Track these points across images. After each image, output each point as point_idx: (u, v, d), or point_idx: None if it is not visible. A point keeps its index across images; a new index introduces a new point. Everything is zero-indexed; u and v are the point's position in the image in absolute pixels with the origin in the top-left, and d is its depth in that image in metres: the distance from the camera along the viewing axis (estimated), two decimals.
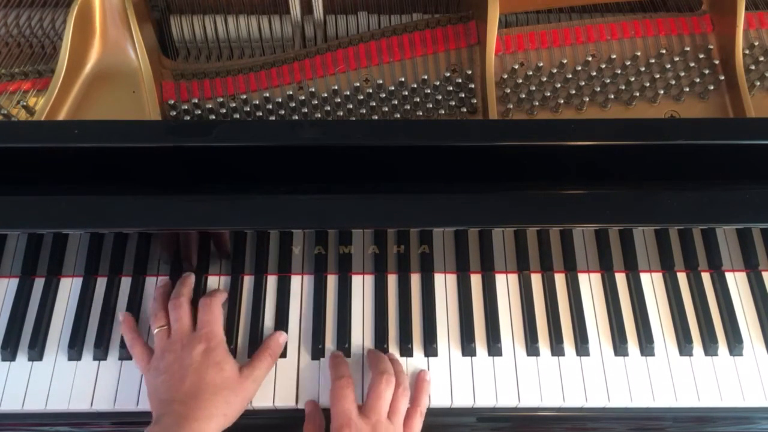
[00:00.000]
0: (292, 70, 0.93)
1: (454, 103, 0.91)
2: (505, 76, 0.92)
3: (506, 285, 0.89)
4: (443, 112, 0.90)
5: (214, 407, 0.74)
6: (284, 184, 0.76)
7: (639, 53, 0.93)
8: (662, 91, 0.90)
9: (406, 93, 0.90)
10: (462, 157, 0.75)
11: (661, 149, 0.75)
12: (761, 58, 0.94)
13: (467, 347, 0.84)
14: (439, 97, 0.90)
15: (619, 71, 0.91)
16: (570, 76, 0.92)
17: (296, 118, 0.90)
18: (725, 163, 0.76)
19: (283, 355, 0.84)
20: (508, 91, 0.91)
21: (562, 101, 0.90)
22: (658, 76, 0.91)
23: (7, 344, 0.84)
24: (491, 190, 0.76)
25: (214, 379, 0.75)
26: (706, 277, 0.90)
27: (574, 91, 0.90)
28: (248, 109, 0.90)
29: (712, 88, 0.91)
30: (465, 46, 0.95)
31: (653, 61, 0.93)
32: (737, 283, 0.90)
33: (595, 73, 0.91)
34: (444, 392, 0.82)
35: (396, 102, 0.90)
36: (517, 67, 0.93)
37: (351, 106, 0.90)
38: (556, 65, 0.92)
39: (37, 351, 0.84)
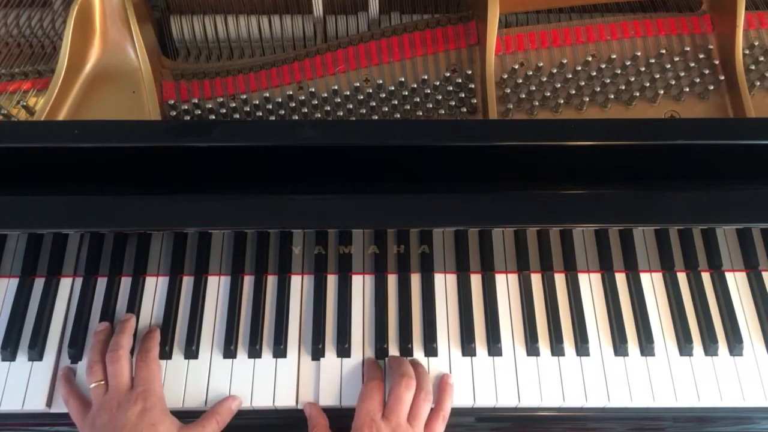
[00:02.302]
0: (292, 70, 0.93)
1: (454, 103, 0.91)
2: (505, 76, 0.92)
3: (506, 285, 0.89)
4: (443, 112, 0.90)
5: None
6: (284, 184, 0.76)
7: (639, 53, 0.93)
8: (662, 91, 0.90)
9: (406, 93, 0.90)
10: (462, 157, 0.75)
11: (661, 149, 0.75)
12: (761, 58, 0.94)
13: (467, 347, 0.84)
14: (439, 97, 0.90)
15: (619, 71, 0.91)
16: (570, 76, 0.92)
17: (296, 118, 0.90)
18: (725, 163, 0.76)
19: (283, 355, 0.84)
20: (508, 91, 0.91)
21: (562, 101, 0.90)
22: (658, 76, 0.91)
23: (7, 344, 0.84)
24: (491, 190, 0.76)
25: None
26: (706, 277, 0.90)
27: (574, 91, 0.90)
28: (248, 109, 0.91)
29: (712, 88, 0.91)
30: (465, 46, 0.95)
31: (653, 61, 0.93)
32: (737, 283, 0.90)
33: (595, 73, 0.91)
34: None
35: (396, 102, 0.90)
36: (517, 67, 0.93)
37: (351, 106, 0.90)
38: (556, 65, 0.92)
39: (37, 351, 0.84)
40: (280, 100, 0.89)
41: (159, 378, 0.80)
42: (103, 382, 0.78)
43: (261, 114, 0.90)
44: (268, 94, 0.91)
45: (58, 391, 0.82)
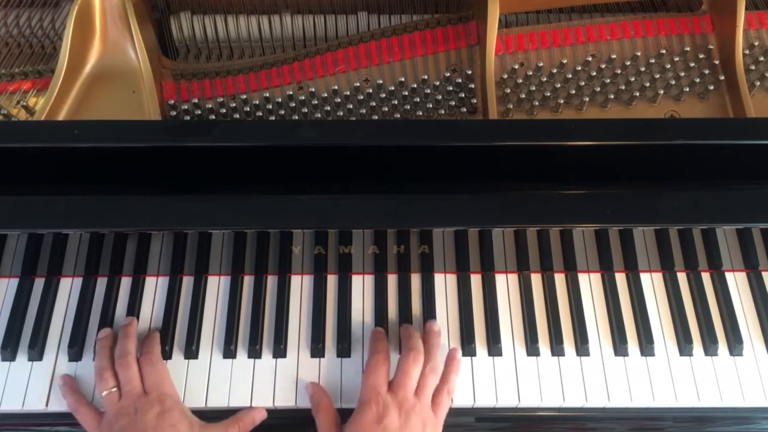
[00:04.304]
0: (292, 70, 0.93)
1: (454, 103, 0.91)
2: (505, 76, 0.92)
3: (506, 285, 0.89)
4: (443, 112, 0.90)
5: None
6: (284, 184, 0.76)
7: (639, 53, 0.93)
8: (662, 91, 0.90)
9: (406, 93, 0.90)
10: (462, 157, 0.75)
11: (661, 149, 0.75)
12: (761, 58, 0.94)
13: (467, 347, 0.84)
14: (439, 97, 0.90)
15: (619, 71, 0.91)
16: (570, 76, 0.92)
17: (296, 118, 0.90)
18: (725, 163, 0.76)
19: (283, 355, 0.84)
20: (508, 91, 0.91)
21: (562, 101, 0.90)
22: (658, 76, 0.91)
23: (7, 344, 0.84)
24: (491, 190, 0.76)
25: None
26: (706, 277, 0.90)
27: (574, 91, 0.90)
28: (248, 109, 0.91)
29: (712, 88, 0.91)
30: (465, 46, 0.95)
31: (653, 61, 0.93)
32: (737, 283, 0.90)
33: (595, 73, 0.91)
34: None
35: (396, 102, 0.90)
36: (517, 67, 0.93)
37: (351, 106, 0.90)
38: (556, 65, 0.92)
39: (37, 351, 0.84)
40: (280, 100, 0.89)
41: (169, 379, 0.80)
42: (115, 389, 0.78)
43: (261, 114, 0.90)
44: (268, 94, 0.91)
45: (57, 393, 0.81)
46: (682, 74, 0.91)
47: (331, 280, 0.89)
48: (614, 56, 0.92)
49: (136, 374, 0.79)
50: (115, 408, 0.77)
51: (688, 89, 0.91)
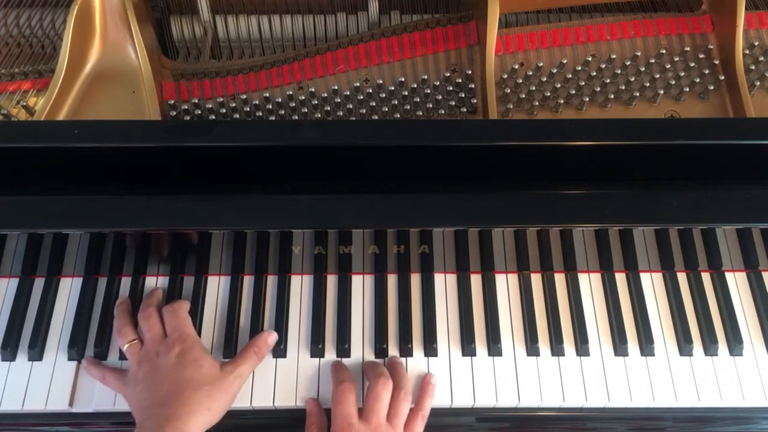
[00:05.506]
0: (292, 70, 0.93)
1: (454, 103, 0.91)
2: (505, 76, 0.92)
3: (506, 285, 0.89)
4: (443, 112, 0.90)
5: (197, 402, 0.73)
6: (284, 184, 0.76)
7: (639, 53, 0.93)
8: (662, 91, 0.90)
9: (406, 93, 0.90)
10: (461, 157, 0.75)
11: (661, 149, 0.75)
12: (761, 58, 0.94)
13: (467, 347, 0.84)
14: (439, 97, 0.90)
15: (619, 71, 0.91)
16: (570, 76, 0.92)
17: (296, 118, 0.90)
18: (725, 163, 0.76)
19: (283, 355, 0.84)
20: (508, 91, 0.91)
21: (562, 101, 0.90)
22: (658, 76, 0.91)
23: (7, 344, 0.84)
24: (491, 190, 0.76)
25: (193, 376, 0.75)
26: (706, 277, 0.90)
27: (574, 91, 0.90)
28: (248, 109, 0.91)
29: (712, 88, 0.91)
30: (465, 46, 0.95)
31: (653, 61, 0.93)
32: (737, 283, 0.90)
33: (595, 73, 0.91)
34: (444, 392, 0.82)
35: (396, 102, 0.90)
36: (517, 67, 0.93)
37: (351, 106, 0.90)
38: (556, 65, 0.92)
39: (37, 351, 0.84)
40: (280, 100, 0.89)
41: (190, 324, 0.81)
42: (136, 341, 0.80)
43: (261, 114, 0.90)
44: (268, 94, 0.91)
45: (57, 393, 0.82)
46: (682, 74, 0.91)
47: (331, 280, 0.89)
48: (614, 56, 0.92)
49: (158, 322, 0.81)
50: (138, 357, 0.78)
51: (688, 89, 0.91)
